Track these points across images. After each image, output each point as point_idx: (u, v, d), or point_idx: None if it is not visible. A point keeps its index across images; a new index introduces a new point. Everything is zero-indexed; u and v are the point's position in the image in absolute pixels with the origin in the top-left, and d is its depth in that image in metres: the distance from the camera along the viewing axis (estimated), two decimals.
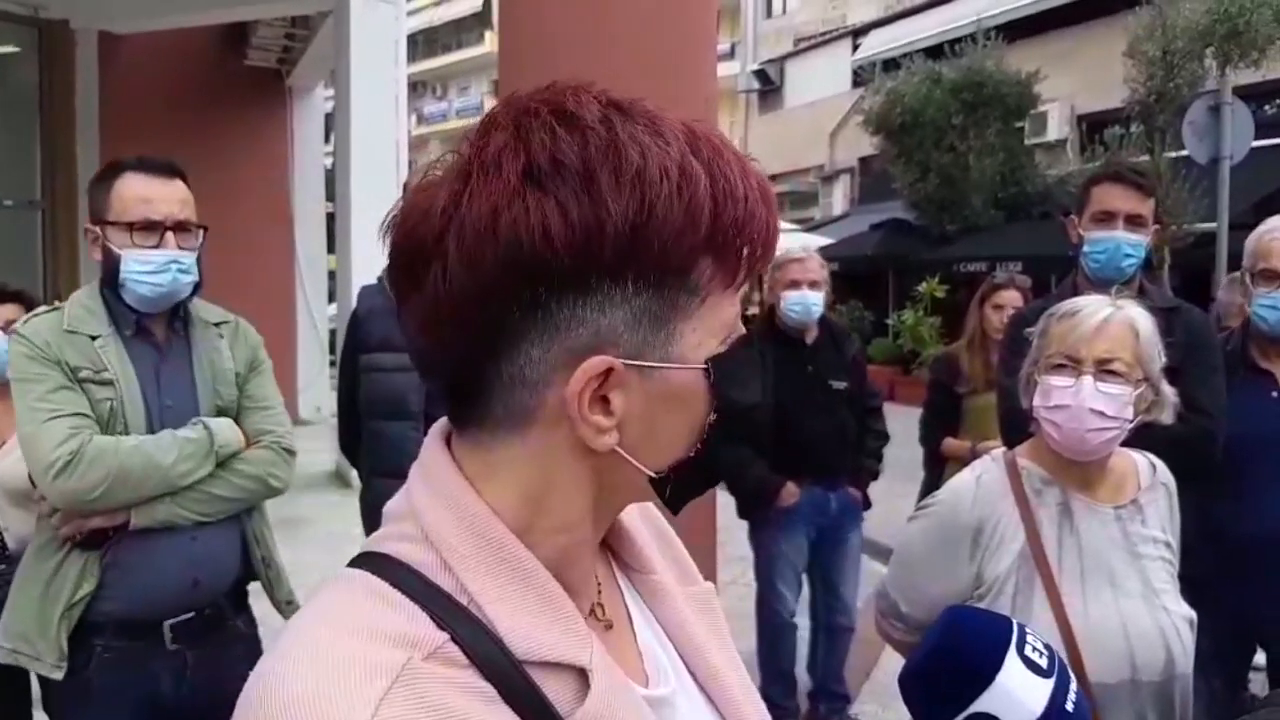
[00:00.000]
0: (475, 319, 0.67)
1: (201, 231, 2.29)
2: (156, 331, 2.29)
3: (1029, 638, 1.06)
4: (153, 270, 2.19)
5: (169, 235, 2.20)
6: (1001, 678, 1.01)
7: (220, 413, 2.31)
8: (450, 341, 0.69)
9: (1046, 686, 1.01)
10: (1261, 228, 2.82)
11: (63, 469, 2.07)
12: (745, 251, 0.71)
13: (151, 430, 2.21)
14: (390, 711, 0.60)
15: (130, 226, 2.19)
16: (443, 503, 0.71)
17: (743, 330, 0.75)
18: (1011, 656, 1.02)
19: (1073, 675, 1.06)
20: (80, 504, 2.11)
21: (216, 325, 2.40)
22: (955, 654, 1.06)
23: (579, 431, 0.69)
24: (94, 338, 2.20)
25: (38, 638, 2.16)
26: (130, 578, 2.18)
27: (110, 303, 2.25)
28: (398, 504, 0.75)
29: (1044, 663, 1.03)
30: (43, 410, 2.10)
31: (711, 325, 0.71)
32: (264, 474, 2.32)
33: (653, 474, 0.72)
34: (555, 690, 0.68)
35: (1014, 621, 1.08)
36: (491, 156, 0.67)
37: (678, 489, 0.75)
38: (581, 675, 0.69)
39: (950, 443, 4.20)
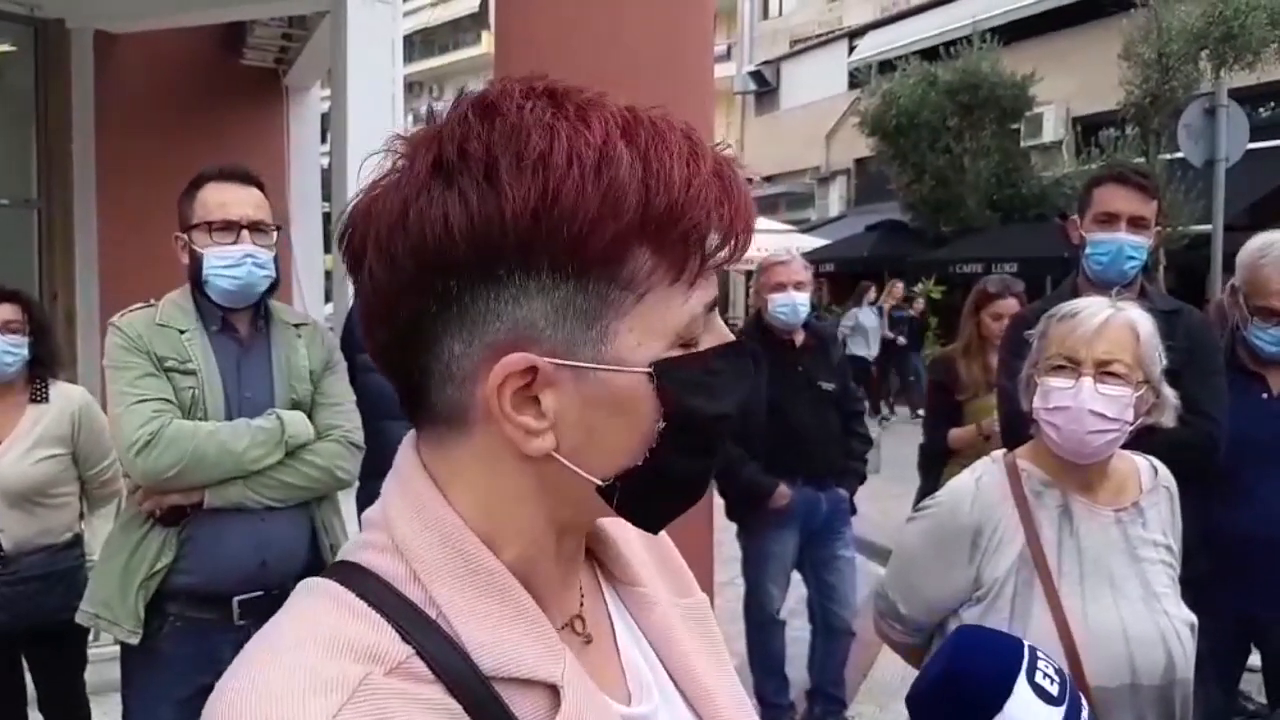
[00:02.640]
0: (397, 315, 0.66)
1: (276, 231, 2.48)
2: (240, 328, 2.48)
3: (1040, 663, 1.02)
4: (231, 264, 2.38)
5: (244, 233, 2.40)
6: (1010, 706, 0.98)
7: (294, 406, 2.48)
8: (384, 340, 0.68)
9: (1056, 716, 0.98)
10: (1253, 248, 2.77)
11: (143, 448, 2.25)
12: (693, 241, 0.65)
13: (230, 419, 2.38)
14: None
15: (210, 226, 2.39)
16: (411, 510, 0.69)
17: (728, 337, 0.70)
18: (1021, 684, 0.99)
19: (1086, 705, 1.03)
20: (158, 481, 2.28)
21: (296, 326, 2.58)
22: (963, 679, 1.04)
23: (506, 432, 0.66)
24: (182, 331, 2.40)
25: (118, 604, 2.33)
26: (203, 553, 2.35)
27: (199, 302, 2.45)
28: (375, 512, 0.73)
29: (1054, 690, 1.00)
30: (130, 395, 2.30)
31: (652, 324, 0.66)
32: (331, 465, 2.47)
33: (599, 482, 0.68)
34: (525, 707, 0.65)
35: (1025, 645, 1.05)
36: (410, 152, 0.67)
37: (648, 505, 0.71)
38: (553, 692, 0.66)
39: (955, 432, 4.18)
